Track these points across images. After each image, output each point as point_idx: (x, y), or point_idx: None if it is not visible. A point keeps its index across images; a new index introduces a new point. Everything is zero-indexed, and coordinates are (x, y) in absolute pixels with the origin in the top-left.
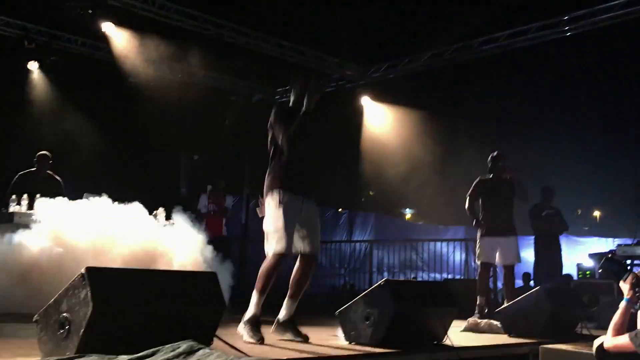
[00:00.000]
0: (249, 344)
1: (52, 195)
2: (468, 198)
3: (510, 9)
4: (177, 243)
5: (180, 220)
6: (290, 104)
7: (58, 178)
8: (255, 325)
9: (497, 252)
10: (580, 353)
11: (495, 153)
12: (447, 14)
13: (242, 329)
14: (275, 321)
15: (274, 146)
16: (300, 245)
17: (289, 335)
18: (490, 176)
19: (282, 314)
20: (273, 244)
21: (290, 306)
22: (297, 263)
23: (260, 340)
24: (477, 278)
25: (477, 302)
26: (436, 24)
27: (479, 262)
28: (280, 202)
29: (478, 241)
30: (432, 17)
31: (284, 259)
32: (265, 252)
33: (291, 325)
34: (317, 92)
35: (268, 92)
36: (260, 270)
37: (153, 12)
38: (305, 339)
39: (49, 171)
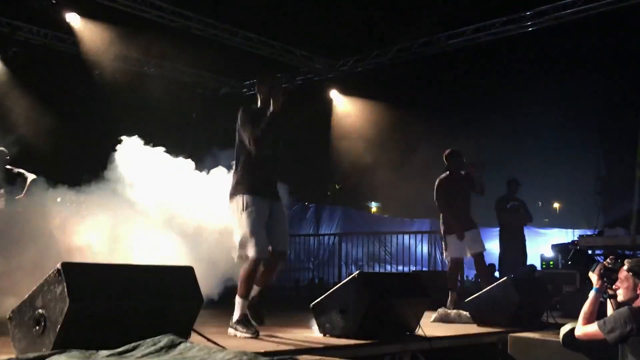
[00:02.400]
0: (240, 339)
1: (17, 188)
2: (437, 202)
3: (475, 4)
4: None
5: None
6: (258, 105)
7: (19, 171)
8: (246, 321)
9: (465, 245)
10: (548, 340)
11: (449, 151)
12: (414, 9)
13: (234, 330)
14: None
15: (239, 149)
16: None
17: (253, 332)
18: (447, 173)
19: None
20: (243, 250)
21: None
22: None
23: (256, 333)
24: (447, 273)
25: (450, 298)
26: (403, 19)
27: (448, 259)
28: (244, 208)
29: (445, 239)
30: (399, 11)
31: (258, 262)
32: (233, 257)
33: (253, 310)
34: (280, 93)
35: (235, 86)
36: (240, 276)
37: (119, 2)
38: (258, 327)
39: (7, 166)
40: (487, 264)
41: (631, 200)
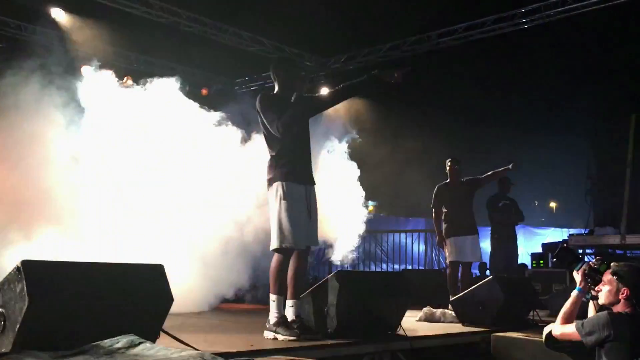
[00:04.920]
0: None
1: None
2: (433, 210)
3: (467, 2)
4: None
5: None
6: (276, 91)
7: None
8: (285, 323)
9: (460, 250)
10: (531, 340)
11: (449, 159)
12: (405, 7)
13: (272, 332)
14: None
15: (269, 136)
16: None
17: (296, 334)
18: (447, 181)
19: (288, 315)
20: (280, 240)
21: (294, 306)
22: (292, 258)
23: (297, 335)
24: (447, 277)
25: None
26: (395, 16)
27: (448, 261)
28: (282, 196)
29: (446, 242)
30: (391, 9)
31: (289, 254)
32: (271, 250)
33: (299, 324)
34: (300, 73)
35: (226, 83)
36: (270, 271)
37: None
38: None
39: None
40: (478, 263)
41: (621, 200)
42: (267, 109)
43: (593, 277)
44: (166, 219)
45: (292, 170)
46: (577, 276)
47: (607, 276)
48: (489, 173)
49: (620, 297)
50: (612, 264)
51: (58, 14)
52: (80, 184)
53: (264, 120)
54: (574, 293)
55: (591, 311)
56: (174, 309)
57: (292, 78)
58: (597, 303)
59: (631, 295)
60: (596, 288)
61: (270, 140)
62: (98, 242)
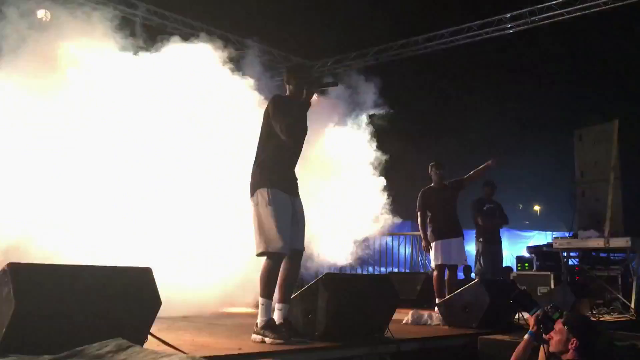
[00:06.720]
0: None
1: None
2: (419, 213)
3: (454, 8)
4: None
5: None
6: (287, 95)
7: None
8: (273, 326)
9: (446, 253)
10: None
11: (433, 162)
12: (392, 11)
13: (260, 336)
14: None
15: (265, 140)
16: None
17: (284, 337)
18: (432, 185)
19: (276, 318)
20: (267, 245)
21: (282, 309)
22: (284, 262)
23: (285, 338)
24: (433, 280)
25: (437, 304)
26: (382, 20)
27: (433, 266)
28: (267, 202)
29: (432, 246)
30: (377, 13)
31: (278, 258)
32: (256, 254)
33: (286, 327)
34: (315, 86)
35: None
36: (260, 275)
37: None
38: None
39: None
40: (463, 265)
41: (605, 203)
42: (278, 111)
43: (545, 324)
44: (157, 218)
45: (278, 179)
46: (531, 321)
47: (559, 325)
48: (470, 173)
49: (569, 347)
50: (564, 313)
51: (45, 15)
52: (74, 177)
53: (273, 120)
54: (526, 337)
55: (541, 354)
56: (162, 312)
57: (304, 86)
58: (547, 348)
59: (580, 346)
60: (547, 335)
61: (263, 145)
62: (89, 243)
